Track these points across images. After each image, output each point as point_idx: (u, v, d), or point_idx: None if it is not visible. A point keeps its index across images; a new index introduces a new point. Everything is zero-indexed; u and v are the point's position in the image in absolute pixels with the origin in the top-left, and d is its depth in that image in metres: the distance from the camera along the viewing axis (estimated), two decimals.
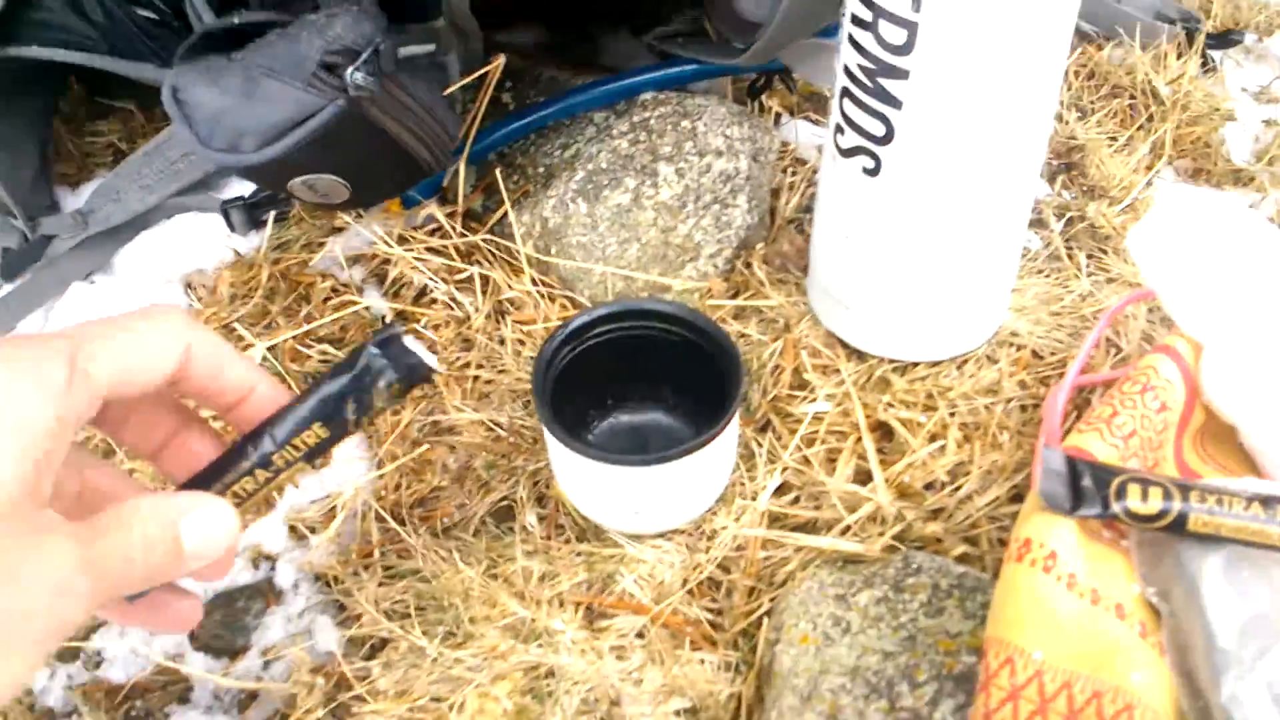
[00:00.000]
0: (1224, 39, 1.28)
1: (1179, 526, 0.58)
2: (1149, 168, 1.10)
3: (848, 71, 0.69)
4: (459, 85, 0.84)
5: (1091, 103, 1.17)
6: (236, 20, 0.72)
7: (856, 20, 0.66)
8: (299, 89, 0.69)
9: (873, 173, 0.70)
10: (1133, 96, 1.17)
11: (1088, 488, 0.60)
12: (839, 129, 0.71)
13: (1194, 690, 0.55)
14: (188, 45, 0.71)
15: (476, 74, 0.84)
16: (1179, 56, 1.23)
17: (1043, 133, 0.70)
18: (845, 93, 0.70)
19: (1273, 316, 0.67)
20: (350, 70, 0.69)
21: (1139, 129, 1.13)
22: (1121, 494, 0.59)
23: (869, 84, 0.67)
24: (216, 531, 0.40)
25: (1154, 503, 0.58)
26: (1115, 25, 1.22)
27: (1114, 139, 1.11)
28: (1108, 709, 0.53)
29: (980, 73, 0.64)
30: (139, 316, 0.41)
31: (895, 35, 0.64)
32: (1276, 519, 0.57)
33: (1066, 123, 1.09)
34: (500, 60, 0.85)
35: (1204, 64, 1.26)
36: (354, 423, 0.46)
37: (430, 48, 0.75)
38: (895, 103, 0.66)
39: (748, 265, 0.85)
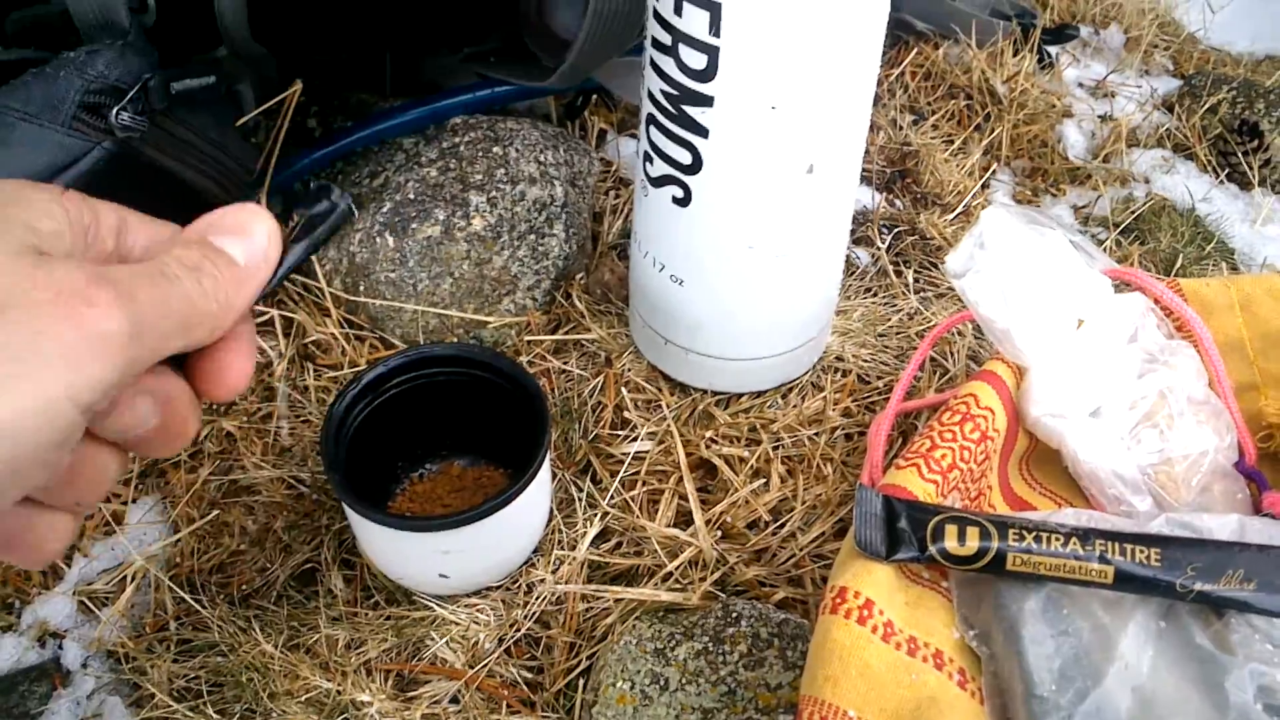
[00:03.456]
0: (1059, 34, 1.29)
1: (997, 566, 0.56)
2: (985, 169, 1.09)
3: (652, 98, 0.65)
4: (255, 114, 0.79)
5: (929, 103, 1.15)
6: None
7: (657, 44, 0.63)
8: (59, 132, 0.64)
9: (683, 202, 0.67)
10: (969, 96, 1.16)
11: (904, 530, 0.57)
12: (648, 157, 0.68)
13: None
14: None
15: (273, 101, 0.79)
16: (1015, 54, 1.23)
17: (856, 154, 0.67)
18: (651, 119, 0.66)
19: (1089, 340, 0.65)
20: (115, 110, 0.64)
21: (975, 130, 1.12)
22: (938, 535, 0.57)
23: (674, 111, 0.64)
24: (258, 233, 0.36)
25: (971, 543, 0.56)
26: (950, 23, 1.21)
27: (950, 141, 1.10)
28: None
29: (787, 97, 0.61)
30: None
31: (696, 60, 0.61)
32: (1095, 554, 0.56)
33: (901, 128, 1.08)
34: (297, 86, 0.80)
35: (1041, 60, 1.26)
36: None
37: (209, 80, 0.70)
38: (701, 130, 0.63)
39: (568, 296, 0.82)
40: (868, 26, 0.61)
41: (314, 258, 0.80)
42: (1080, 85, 1.27)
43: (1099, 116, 1.22)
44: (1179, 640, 0.55)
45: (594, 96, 0.94)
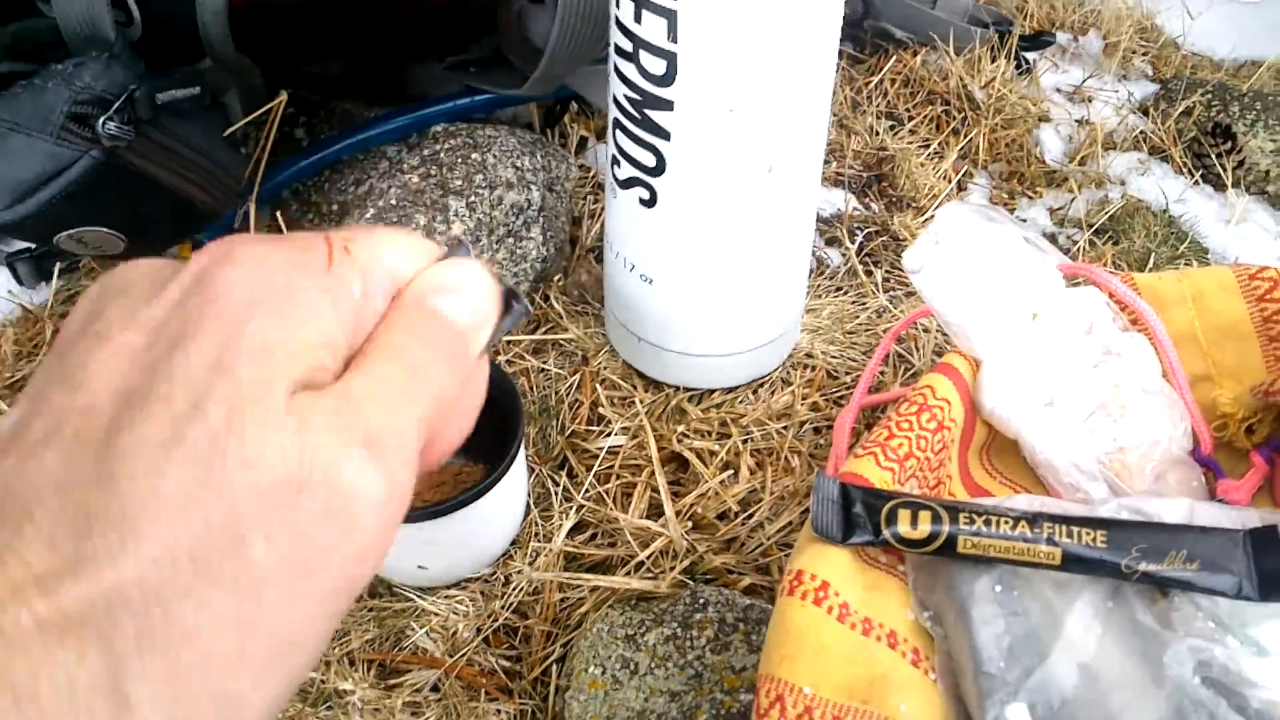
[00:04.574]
0: (1035, 41, 1.31)
1: (949, 549, 0.58)
2: (960, 172, 1.11)
3: (617, 103, 0.68)
4: (242, 124, 0.81)
5: (907, 110, 1.18)
6: None
7: (620, 51, 0.65)
8: (48, 142, 0.66)
9: (649, 204, 0.69)
10: (946, 102, 1.19)
11: (859, 515, 0.59)
12: (615, 160, 0.70)
13: (965, 716, 0.55)
14: None
15: (259, 112, 0.82)
16: (993, 60, 1.25)
17: (816, 154, 0.70)
18: (617, 124, 0.69)
19: (1044, 334, 0.67)
20: (102, 120, 0.67)
21: (952, 134, 1.15)
22: (892, 519, 0.59)
23: (637, 115, 0.66)
24: (476, 288, 0.30)
25: (923, 527, 0.58)
26: (930, 32, 1.24)
27: (927, 145, 1.12)
28: None
29: (744, 100, 0.63)
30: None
31: (656, 66, 0.63)
32: (1043, 536, 0.58)
33: (877, 134, 1.10)
34: (283, 97, 0.82)
35: (1018, 66, 1.28)
36: None
37: (194, 91, 0.72)
38: (663, 134, 0.66)
39: (546, 298, 0.84)
40: (822, 32, 0.63)
41: None
42: (1058, 90, 1.30)
43: (1076, 121, 1.24)
44: (1124, 619, 0.57)
45: (571, 103, 0.96)
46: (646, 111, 0.65)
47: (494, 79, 0.86)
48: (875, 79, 1.20)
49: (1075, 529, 0.58)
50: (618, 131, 0.69)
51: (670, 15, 0.61)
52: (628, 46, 0.64)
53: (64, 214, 0.69)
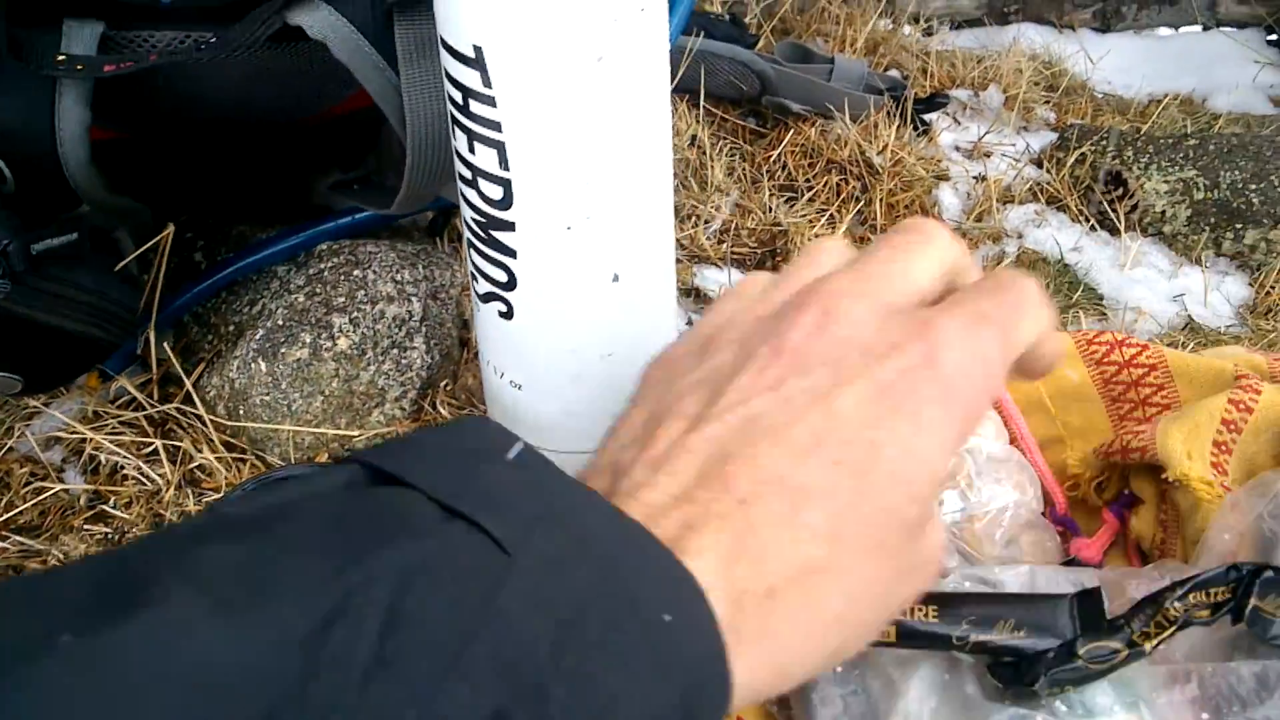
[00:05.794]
0: (930, 102, 1.35)
1: None
2: (861, 239, 1.15)
3: (467, 224, 0.71)
4: (131, 259, 0.85)
5: (806, 180, 1.21)
6: None
7: (462, 177, 0.69)
8: None
9: (507, 315, 0.72)
10: (844, 170, 1.22)
11: None
12: (474, 276, 0.74)
13: None
14: None
15: (145, 246, 0.85)
16: (890, 125, 1.29)
17: (663, 256, 0.73)
18: (470, 243, 0.72)
19: None
20: None
21: (850, 200, 1.18)
22: None
23: (484, 235, 0.70)
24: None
25: None
26: (826, 103, 1.27)
27: (824, 214, 1.15)
28: None
29: (580, 218, 0.66)
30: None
31: (494, 191, 0.67)
32: None
33: (770, 210, 1.14)
34: (168, 230, 0.86)
35: (916, 128, 1.32)
36: None
37: (71, 237, 0.76)
38: (510, 252, 0.69)
39: (434, 404, 0.87)
40: (650, 152, 0.67)
41: (195, 388, 0.85)
42: (957, 149, 1.34)
43: (974, 177, 1.28)
44: (956, 691, 0.60)
45: (453, 215, 1.00)
46: (492, 232, 0.69)
47: (371, 197, 0.90)
48: (775, 152, 1.24)
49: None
50: (471, 250, 0.72)
51: (499, 146, 0.64)
52: (468, 174, 0.68)
53: None
